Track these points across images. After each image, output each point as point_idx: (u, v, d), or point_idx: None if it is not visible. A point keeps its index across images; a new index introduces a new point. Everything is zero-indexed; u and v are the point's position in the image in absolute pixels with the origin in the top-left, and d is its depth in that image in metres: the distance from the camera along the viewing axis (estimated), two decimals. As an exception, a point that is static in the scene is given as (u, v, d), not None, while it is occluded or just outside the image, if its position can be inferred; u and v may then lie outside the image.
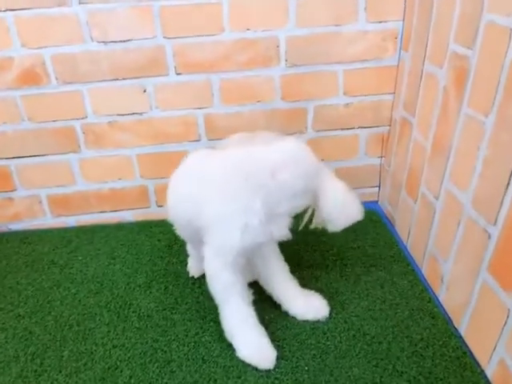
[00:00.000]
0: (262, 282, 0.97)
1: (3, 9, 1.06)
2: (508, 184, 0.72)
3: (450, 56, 0.90)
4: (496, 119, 0.75)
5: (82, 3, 1.07)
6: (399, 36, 1.14)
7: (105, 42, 1.12)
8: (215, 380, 0.83)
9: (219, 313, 0.88)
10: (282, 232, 0.83)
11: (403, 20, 1.12)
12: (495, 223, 0.77)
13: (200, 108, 1.21)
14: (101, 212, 1.35)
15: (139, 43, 1.12)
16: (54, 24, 1.09)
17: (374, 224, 1.27)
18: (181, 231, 1.00)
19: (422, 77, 1.04)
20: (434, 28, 0.97)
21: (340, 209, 0.86)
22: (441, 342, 0.88)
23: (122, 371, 0.86)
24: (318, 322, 0.95)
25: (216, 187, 0.82)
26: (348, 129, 1.26)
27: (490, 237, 0.78)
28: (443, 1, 0.92)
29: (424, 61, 1.02)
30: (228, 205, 0.80)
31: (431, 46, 0.98)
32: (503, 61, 0.72)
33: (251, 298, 0.88)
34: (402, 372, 0.82)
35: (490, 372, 0.80)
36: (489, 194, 0.78)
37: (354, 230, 1.23)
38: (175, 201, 0.94)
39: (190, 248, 1.09)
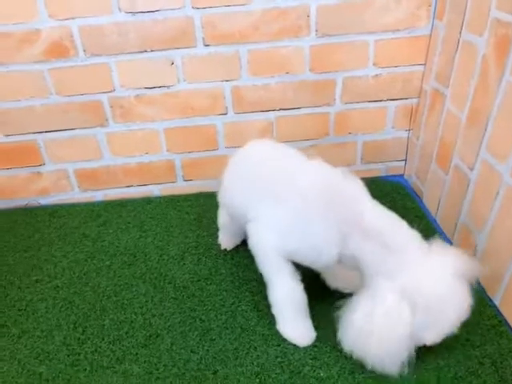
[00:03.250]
0: None
1: (30, -21, 1.05)
2: (555, 153, 0.72)
3: (491, 23, 0.88)
4: (543, 87, 0.74)
5: (110, -28, 1.05)
6: (433, 4, 1.11)
7: (133, 13, 1.10)
8: (255, 348, 0.85)
9: (268, 287, 0.87)
10: None
11: (438, -13, 1.09)
12: (538, 193, 0.76)
13: (227, 80, 1.20)
14: (128, 186, 1.36)
15: (167, 14, 1.10)
16: (82, -6, 1.07)
17: (402, 197, 1.27)
18: (233, 206, 0.95)
19: (458, 46, 1.01)
20: (474, -6, 0.94)
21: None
22: (476, 312, 0.89)
23: (163, 339, 0.88)
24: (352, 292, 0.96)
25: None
26: (376, 101, 1.25)
27: (531, 206, 0.78)
28: (486, -35, 0.89)
29: (461, 30, 0.99)
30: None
31: (470, 13, 0.96)
32: (554, 26, 0.71)
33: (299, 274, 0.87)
34: (439, 339, 0.84)
35: (527, 339, 0.81)
36: (532, 163, 0.78)
37: (381, 203, 1.25)
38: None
39: (226, 221, 1.07)
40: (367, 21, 1.13)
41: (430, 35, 1.15)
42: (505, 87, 0.85)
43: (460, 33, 1.00)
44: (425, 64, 1.20)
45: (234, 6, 1.10)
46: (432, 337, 0.72)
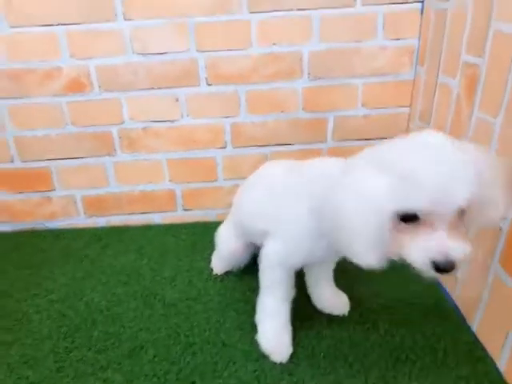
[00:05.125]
0: (305, 267, 0.99)
1: (55, 23, 1.19)
2: (516, 177, 0.77)
3: (462, 66, 0.97)
4: (504, 119, 0.81)
5: (127, 19, 1.19)
6: (415, 52, 1.22)
7: (144, 54, 1.23)
8: (234, 362, 0.87)
9: (259, 296, 0.92)
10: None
11: (419, 37, 1.20)
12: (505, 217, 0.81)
13: (227, 117, 1.30)
14: (130, 214, 1.43)
15: (174, 56, 1.23)
16: (101, 37, 1.21)
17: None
18: (244, 227, 1.02)
19: (436, 88, 1.10)
20: (448, 42, 1.04)
21: None
22: (453, 337, 0.91)
23: (147, 351, 0.91)
24: (334, 315, 0.98)
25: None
26: (366, 139, 1.33)
27: (501, 229, 0.82)
28: (456, 15, 1.00)
29: (438, 73, 1.09)
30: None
31: (445, 58, 1.05)
32: (510, 64, 0.79)
33: (293, 295, 0.90)
34: (414, 360, 0.85)
35: (501, 363, 0.82)
36: (498, 189, 0.83)
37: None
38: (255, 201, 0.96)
39: (229, 242, 1.09)
40: (355, 66, 1.23)
41: (414, 80, 1.25)
42: (475, 122, 0.92)
43: (437, 76, 1.09)
44: (410, 106, 1.28)
45: (234, 50, 1.22)
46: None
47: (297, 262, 0.86)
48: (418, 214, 0.58)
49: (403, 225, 0.60)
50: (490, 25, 0.85)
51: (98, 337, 0.96)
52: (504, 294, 0.81)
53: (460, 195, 0.56)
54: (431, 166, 0.57)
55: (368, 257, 0.63)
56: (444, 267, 0.57)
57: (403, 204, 0.58)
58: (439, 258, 0.57)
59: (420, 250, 0.59)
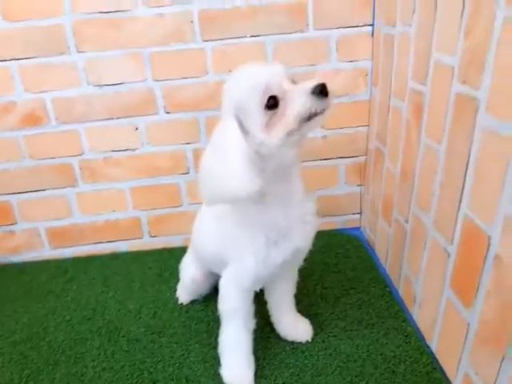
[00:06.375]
0: (266, 296, 1.01)
1: (8, 58, 1.18)
2: (460, 202, 0.79)
3: (409, 91, 0.99)
4: (447, 146, 0.83)
5: (80, 51, 1.18)
6: (369, 73, 1.24)
7: (99, 86, 1.22)
8: (197, 398, 0.88)
9: (220, 328, 0.91)
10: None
11: (372, 59, 1.23)
12: (452, 242, 0.83)
13: (188, 143, 1.31)
14: (96, 243, 1.42)
15: (131, 86, 1.23)
16: (55, 71, 1.20)
17: (356, 249, 1.33)
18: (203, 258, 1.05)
19: (389, 110, 1.12)
20: (396, 66, 1.06)
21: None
22: (412, 359, 0.92)
23: (109, 392, 0.91)
24: (297, 342, 0.99)
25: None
26: (327, 159, 1.35)
27: (449, 255, 0.84)
28: (401, 41, 1.02)
29: (390, 96, 1.11)
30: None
31: (395, 82, 1.08)
32: (449, 95, 0.81)
33: (254, 325, 0.91)
34: (374, 388, 0.87)
35: (457, 385, 0.84)
36: (445, 214, 0.85)
37: (335, 254, 1.31)
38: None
39: (194, 273, 1.10)
40: (311, 89, 1.25)
41: (370, 100, 1.27)
42: (422, 150, 0.94)
43: (389, 98, 1.11)
44: (368, 125, 1.31)
45: (190, 77, 1.23)
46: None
47: (253, 280, 0.85)
48: (275, 94, 0.69)
49: (272, 111, 0.70)
50: (430, 55, 0.88)
51: (61, 379, 0.95)
52: (455, 316, 0.83)
53: (280, 69, 0.72)
54: (252, 69, 0.72)
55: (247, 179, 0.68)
56: (321, 88, 0.67)
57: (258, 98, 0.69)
58: (315, 84, 0.68)
59: (300, 97, 0.69)
